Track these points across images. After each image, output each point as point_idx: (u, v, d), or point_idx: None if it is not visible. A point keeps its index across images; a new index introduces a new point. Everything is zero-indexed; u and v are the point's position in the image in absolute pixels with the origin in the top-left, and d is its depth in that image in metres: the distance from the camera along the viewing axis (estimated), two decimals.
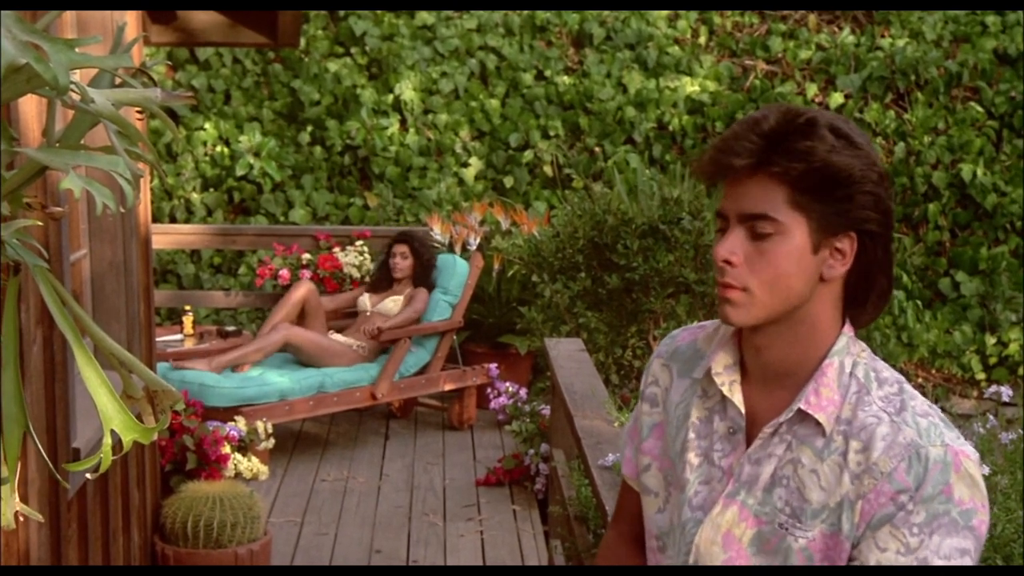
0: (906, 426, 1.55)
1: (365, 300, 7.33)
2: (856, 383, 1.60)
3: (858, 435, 1.57)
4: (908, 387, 1.61)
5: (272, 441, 6.19)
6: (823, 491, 1.57)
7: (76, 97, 1.20)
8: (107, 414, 1.24)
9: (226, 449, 5.40)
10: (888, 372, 1.63)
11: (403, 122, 9.76)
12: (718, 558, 1.64)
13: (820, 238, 1.56)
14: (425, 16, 10.17)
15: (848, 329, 1.63)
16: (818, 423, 1.59)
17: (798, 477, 1.59)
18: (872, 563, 1.53)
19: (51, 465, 3.30)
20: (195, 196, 9.37)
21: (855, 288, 1.61)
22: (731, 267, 1.57)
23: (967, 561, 1.51)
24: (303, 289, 7.16)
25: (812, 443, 1.59)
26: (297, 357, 6.96)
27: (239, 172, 9.30)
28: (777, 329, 1.61)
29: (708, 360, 1.69)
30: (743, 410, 1.65)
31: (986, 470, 3.32)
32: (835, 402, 1.59)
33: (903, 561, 1.51)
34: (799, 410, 1.59)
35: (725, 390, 1.66)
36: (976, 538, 1.52)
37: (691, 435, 1.70)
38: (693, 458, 1.69)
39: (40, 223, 1.32)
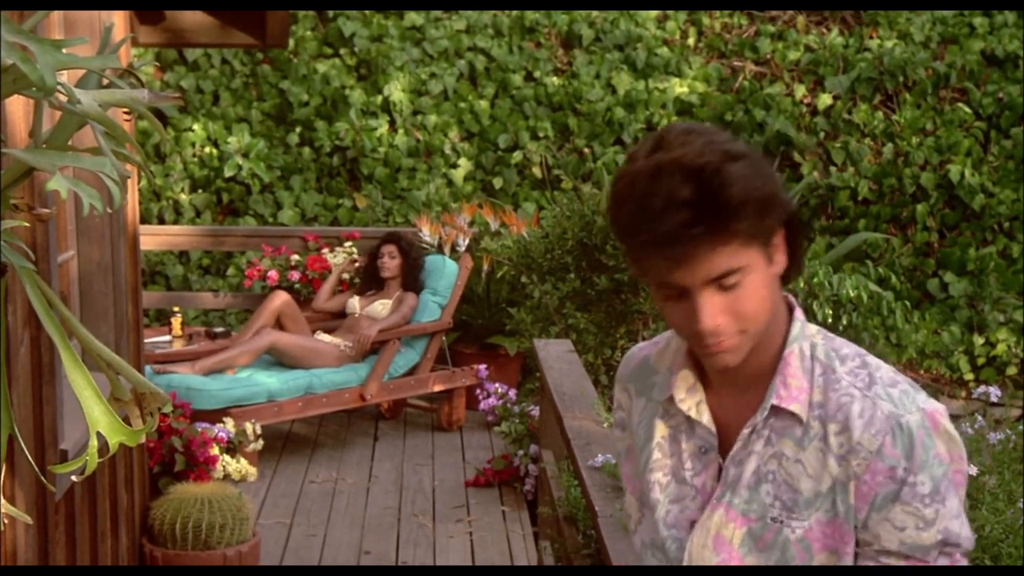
0: (880, 400, 1.56)
1: (354, 302, 7.33)
2: (820, 365, 1.60)
3: (834, 416, 1.57)
4: (870, 358, 1.61)
5: (261, 442, 6.17)
6: (811, 479, 1.58)
7: (63, 98, 1.20)
8: (93, 416, 1.24)
9: (214, 450, 5.39)
10: (847, 348, 1.63)
11: (392, 123, 9.75)
12: (711, 561, 1.64)
13: (766, 250, 1.55)
14: (414, 17, 10.16)
15: (799, 313, 1.64)
16: (793, 413, 1.59)
17: (784, 470, 1.59)
18: (895, 545, 1.54)
19: (37, 468, 3.29)
20: (183, 197, 9.35)
21: (791, 255, 1.60)
22: (718, 329, 1.53)
23: (964, 517, 1.56)
24: (278, 300, 7.15)
25: (791, 434, 1.59)
26: (283, 361, 6.95)
27: (227, 173, 9.28)
28: None
29: (668, 386, 1.69)
30: (714, 429, 1.65)
31: (974, 470, 3.33)
32: (805, 389, 1.60)
33: (926, 536, 1.53)
34: (772, 405, 1.60)
35: (692, 414, 1.65)
36: (957, 490, 1.56)
37: (656, 455, 1.71)
38: (661, 477, 1.69)
39: (27, 224, 1.32)
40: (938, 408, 1.56)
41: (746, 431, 1.62)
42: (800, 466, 1.58)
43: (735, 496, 1.62)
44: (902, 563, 1.55)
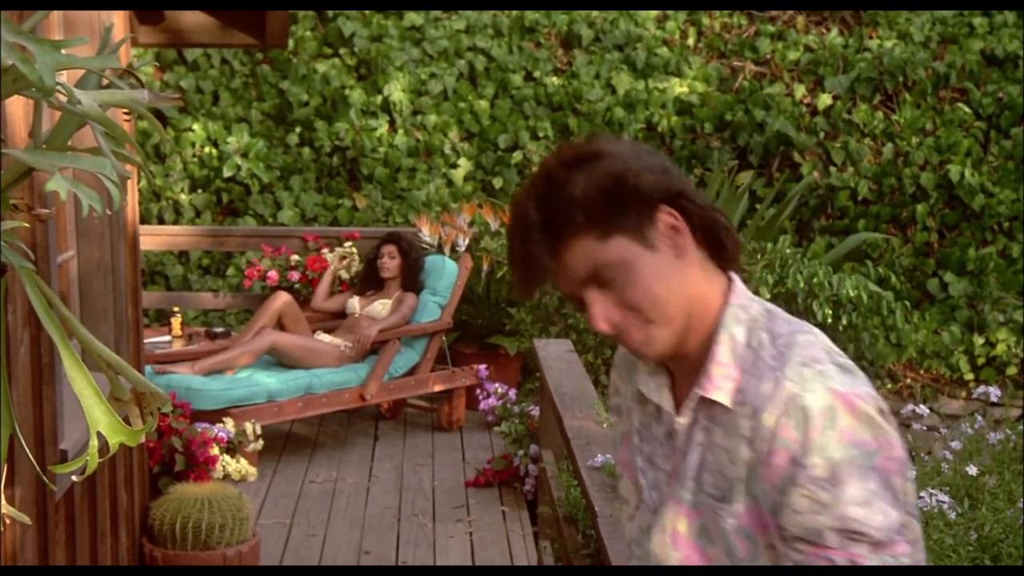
0: (787, 380, 1.51)
1: (354, 302, 7.33)
2: (751, 351, 1.57)
3: (750, 400, 1.54)
4: (803, 336, 1.56)
5: (261, 442, 6.17)
6: (734, 465, 1.55)
7: (63, 98, 1.20)
8: (94, 416, 1.24)
9: (214, 451, 5.39)
10: (785, 326, 1.59)
11: (392, 123, 9.75)
12: (673, 558, 1.63)
13: (645, 235, 1.55)
14: (414, 17, 10.16)
15: (735, 299, 1.61)
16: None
17: (717, 459, 1.58)
18: (796, 529, 1.49)
19: (38, 467, 3.29)
20: (183, 197, 9.35)
21: (706, 236, 1.59)
22: (617, 326, 1.58)
23: (881, 503, 1.46)
24: (279, 301, 7.14)
25: (724, 422, 1.57)
26: (283, 361, 6.95)
27: (227, 173, 9.29)
28: None
29: (638, 371, 1.71)
30: (674, 413, 1.65)
31: (974, 470, 3.33)
32: (733, 377, 1.57)
33: (821, 520, 1.47)
34: (700, 396, 1.59)
35: (655, 398, 1.66)
36: (882, 477, 1.47)
37: (636, 440, 1.72)
38: (641, 463, 1.70)
39: (27, 224, 1.32)
40: (860, 392, 1.50)
41: (683, 421, 1.62)
42: (726, 453, 1.56)
43: (684, 490, 1.62)
44: (810, 550, 1.49)
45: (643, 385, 1.68)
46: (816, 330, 1.60)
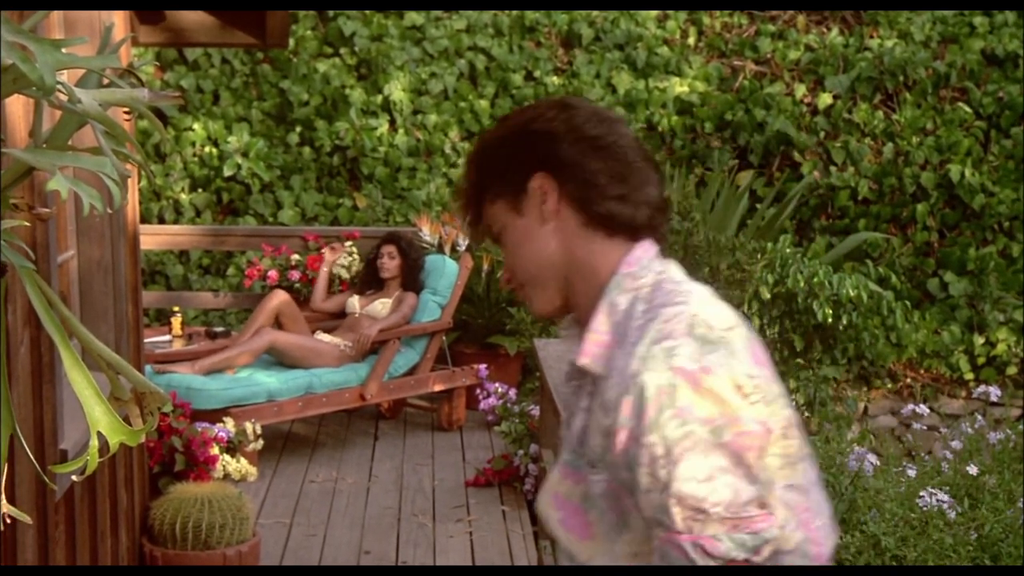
0: (634, 357, 1.50)
1: (354, 302, 7.33)
2: (627, 322, 1.56)
3: (612, 372, 1.54)
4: (671, 309, 1.53)
5: (261, 442, 6.17)
6: (597, 433, 1.56)
7: (63, 97, 1.20)
8: (94, 416, 1.23)
9: (214, 450, 5.39)
10: (661, 297, 1.56)
11: (392, 123, 9.75)
12: (553, 519, 1.64)
13: (515, 201, 1.63)
14: (414, 16, 10.16)
15: (628, 265, 1.61)
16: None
17: (591, 424, 1.58)
18: (649, 510, 1.48)
19: (38, 467, 3.29)
20: (183, 197, 9.35)
21: (579, 205, 1.62)
22: (509, 283, 1.70)
23: (728, 478, 1.43)
24: (276, 300, 7.13)
25: (599, 388, 1.57)
26: (282, 361, 6.95)
27: (227, 173, 9.28)
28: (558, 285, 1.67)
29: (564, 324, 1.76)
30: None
31: (974, 470, 3.33)
32: (605, 344, 1.57)
33: (663, 498, 1.45)
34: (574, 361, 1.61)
35: (564, 347, 1.71)
36: (732, 453, 1.44)
37: (565, 391, 1.74)
38: (565, 415, 1.72)
39: (27, 224, 1.31)
40: (711, 367, 1.46)
41: (571, 384, 1.64)
42: (596, 420, 1.56)
43: (569, 453, 1.63)
44: (663, 536, 1.47)
45: (561, 332, 1.74)
46: (696, 299, 1.56)
